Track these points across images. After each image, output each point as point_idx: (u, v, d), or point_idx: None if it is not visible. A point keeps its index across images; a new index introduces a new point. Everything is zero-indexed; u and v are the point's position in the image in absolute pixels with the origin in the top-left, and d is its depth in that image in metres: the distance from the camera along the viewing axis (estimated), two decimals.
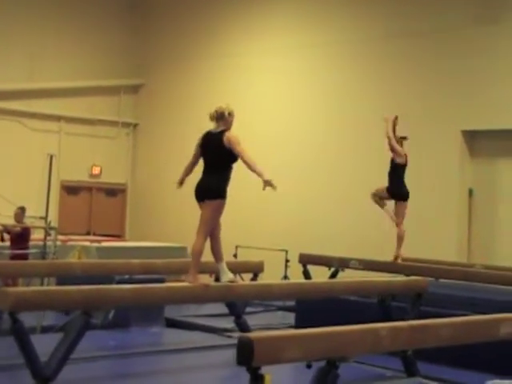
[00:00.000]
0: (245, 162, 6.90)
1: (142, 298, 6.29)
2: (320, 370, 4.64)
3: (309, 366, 5.91)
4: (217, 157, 7.07)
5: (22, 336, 5.73)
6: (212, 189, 7.05)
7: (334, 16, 15.42)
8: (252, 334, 4.19)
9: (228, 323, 10.29)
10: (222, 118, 7.19)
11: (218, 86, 17.46)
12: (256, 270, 9.64)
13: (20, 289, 6.20)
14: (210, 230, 7.16)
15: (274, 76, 16.53)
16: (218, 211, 7.11)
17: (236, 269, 9.70)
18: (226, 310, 10.57)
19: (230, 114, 7.23)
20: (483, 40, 13.27)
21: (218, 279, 8.61)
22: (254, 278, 9.66)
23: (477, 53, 13.32)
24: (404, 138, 10.50)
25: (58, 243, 13.17)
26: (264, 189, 6.79)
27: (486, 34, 13.25)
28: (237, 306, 9.31)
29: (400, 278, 8.72)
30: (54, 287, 5.97)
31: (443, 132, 13.54)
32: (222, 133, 7.10)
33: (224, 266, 7.36)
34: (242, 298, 7.75)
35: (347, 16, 15.14)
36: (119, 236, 18.14)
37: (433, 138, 13.40)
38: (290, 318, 11.10)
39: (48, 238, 13.08)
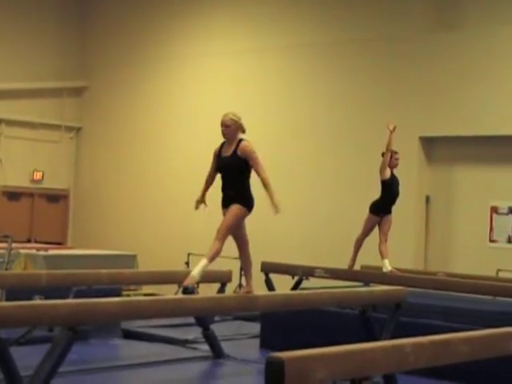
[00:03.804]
0: None
1: (132, 311, 5.92)
2: None
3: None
4: None
5: (4, 354, 5.33)
6: None
7: (288, 20, 15.22)
8: (283, 354, 3.88)
9: (186, 334, 9.98)
10: None
11: (165, 88, 17.09)
12: (224, 279, 9.30)
13: (2, 304, 5.76)
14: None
15: (226, 79, 16.23)
16: None
17: (202, 278, 9.40)
18: (179, 321, 10.30)
19: None
20: (442, 46, 13.25)
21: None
22: (222, 288, 9.33)
23: (435, 59, 13.28)
24: (396, 153, 10.43)
25: (2, 251, 12.64)
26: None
27: (445, 40, 13.25)
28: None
29: (380, 288, 8.51)
30: (39, 302, 5.56)
31: (401, 138, 13.33)
32: None
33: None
34: (228, 310, 7.41)
35: (305, 20, 14.94)
36: (61, 243, 17.59)
37: None
38: (250, 327, 10.84)
39: None
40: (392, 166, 10.41)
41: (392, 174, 10.39)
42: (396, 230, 12.84)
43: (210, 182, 7.29)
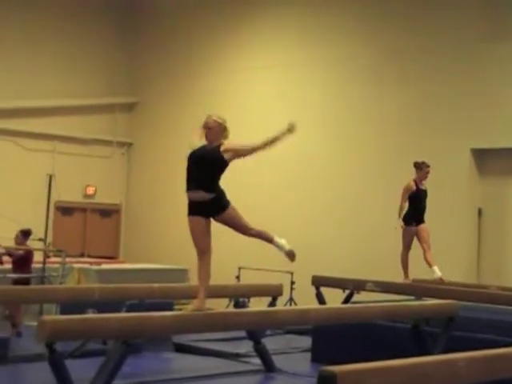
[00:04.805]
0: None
1: (184, 325, 5.97)
2: None
3: None
4: None
5: (59, 367, 5.41)
6: None
7: (334, 33, 15.24)
8: (335, 368, 3.88)
9: (238, 348, 9.98)
10: None
11: (215, 102, 17.15)
12: (275, 293, 9.31)
13: (56, 317, 5.87)
14: None
15: (272, 92, 16.29)
16: None
17: (253, 292, 9.44)
18: (230, 335, 10.31)
19: None
20: (494, 57, 13.15)
21: None
22: (273, 302, 9.33)
23: (487, 70, 13.19)
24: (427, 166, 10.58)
25: (56, 266, 12.83)
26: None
27: (497, 50, 13.13)
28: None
29: (432, 302, 8.44)
30: (92, 315, 5.64)
31: (452, 150, 13.35)
32: None
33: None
34: (280, 324, 7.41)
35: (351, 32, 14.96)
36: (113, 257, 17.79)
37: (442, 156, 13.16)
38: (301, 341, 10.79)
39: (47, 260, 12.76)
40: (421, 178, 10.48)
41: (418, 187, 10.44)
42: (448, 242, 12.79)
43: None
